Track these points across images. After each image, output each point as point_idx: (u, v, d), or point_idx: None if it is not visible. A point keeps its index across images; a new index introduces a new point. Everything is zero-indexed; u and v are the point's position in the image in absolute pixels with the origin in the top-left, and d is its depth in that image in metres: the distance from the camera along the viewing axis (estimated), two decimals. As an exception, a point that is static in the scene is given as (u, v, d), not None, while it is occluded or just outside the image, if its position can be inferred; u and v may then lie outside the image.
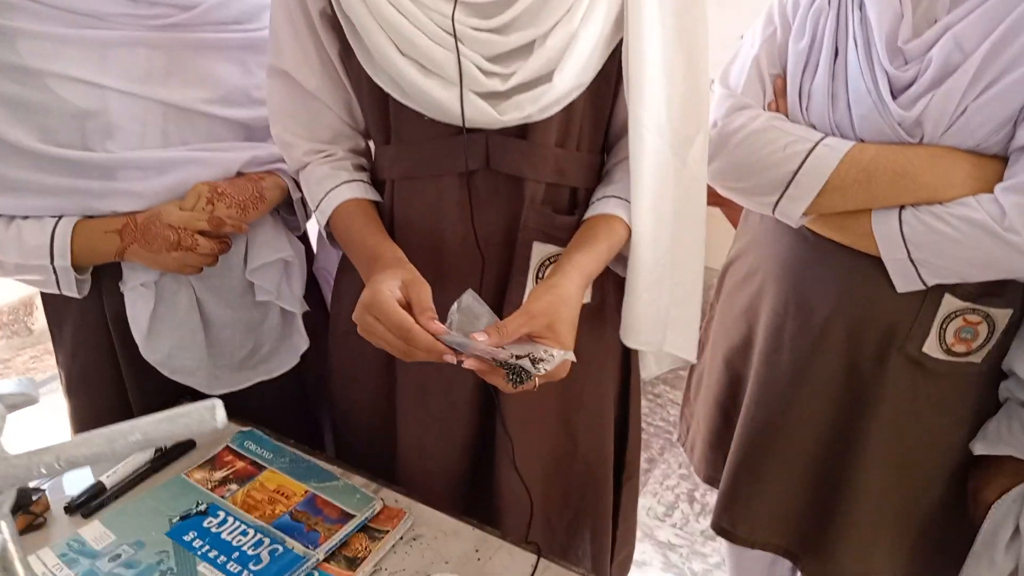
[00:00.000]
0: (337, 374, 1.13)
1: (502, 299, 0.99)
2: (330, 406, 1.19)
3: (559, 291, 0.84)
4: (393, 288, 0.81)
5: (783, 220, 1.06)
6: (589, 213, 0.96)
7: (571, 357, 0.82)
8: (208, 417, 0.57)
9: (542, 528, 1.12)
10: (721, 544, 2.12)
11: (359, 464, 1.05)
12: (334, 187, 0.97)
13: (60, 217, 0.98)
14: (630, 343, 0.97)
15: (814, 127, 1.03)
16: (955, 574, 1.07)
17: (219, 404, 0.57)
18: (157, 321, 1.05)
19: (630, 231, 0.93)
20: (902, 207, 0.96)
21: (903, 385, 1.04)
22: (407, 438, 1.06)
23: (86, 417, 1.15)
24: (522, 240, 0.96)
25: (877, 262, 1.00)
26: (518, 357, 0.78)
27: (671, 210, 0.93)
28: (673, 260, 0.95)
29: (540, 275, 0.99)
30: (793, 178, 1.00)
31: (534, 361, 0.78)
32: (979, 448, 1.03)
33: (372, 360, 1.06)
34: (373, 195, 0.99)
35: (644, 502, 2.28)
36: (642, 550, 2.11)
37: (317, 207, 0.99)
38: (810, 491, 1.15)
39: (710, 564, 2.07)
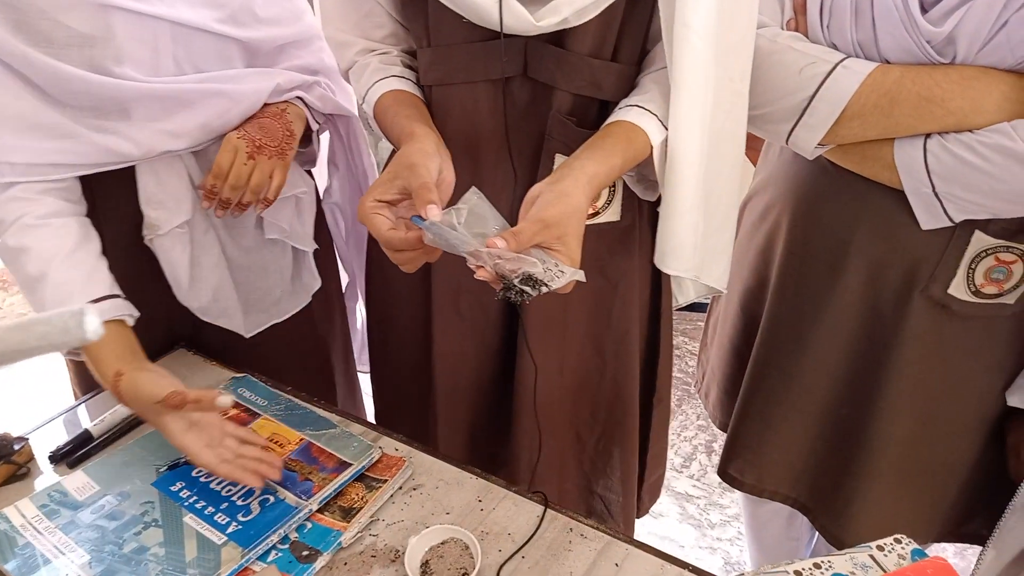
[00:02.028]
0: (375, 279, 1.14)
1: None
2: (366, 313, 1.20)
3: (571, 201, 0.78)
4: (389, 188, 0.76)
5: (797, 152, 0.97)
6: (610, 120, 0.89)
7: (581, 276, 0.76)
8: (73, 325, 0.45)
9: (572, 443, 1.14)
10: (739, 495, 2.07)
11: (393, 374, 1.07)
12: (383, 78, 0.94)
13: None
14: (667, 269, 0.93)
15: (835, 47, 0.93)
16: (986, 530, 1.01)
17: (90, 310, 0.49)
18: (194, 265, 1.01)
19: (651, 148, 0.87)
20: (927, 136, 0.87)
21: (926, 328, 0.97)
22: (442, 343, 1.06)
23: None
24: (546, 150, 0.94)
25: (900, 196, 0.91)
26: (520, 277, 0.73)
27: (712, 127, 0.87)
28: (711, 183, 0.90)
29: None
30: (809, 104, 0.91)
31: (536, 283, 0.72)
32: (1015, 400, 0.96)
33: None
34: (418, 92, 0.95)
35: (661, 453, 2.24)
36: (659, 501, 2.07)
37: (364, 97, 0.95)
38: (824, 441, 1.09)
39: (728, 515, 2.03)
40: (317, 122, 1.06)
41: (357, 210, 0.79)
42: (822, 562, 0.77)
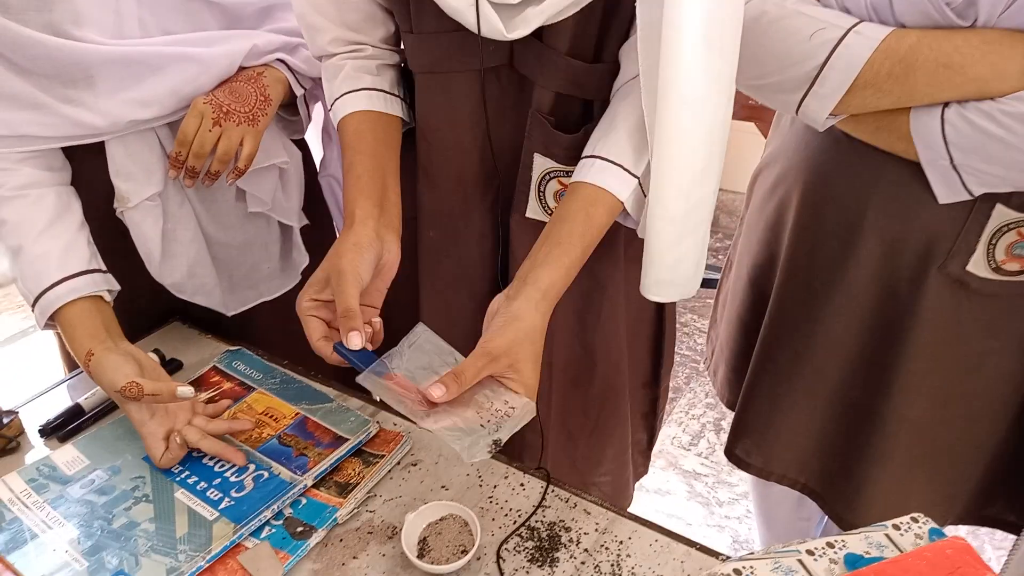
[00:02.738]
0: None
1: (510, 206, 0.96)
2: None
3: (520, 325, 0.74)
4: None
5: (808, 123, 0.93)
6: (573, 177, 0.84)
7: (531, 409, 0.73)
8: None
9: (564, 442, 1.12)
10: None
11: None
12: (351, 91, 0.89)
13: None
14: (655, 298, 0.87)
15: (848, 11, 0.88)
16: (1009, 514, 0.98)
17: None
18: (167, 239, 0.97)
19: (621, 204, 0.82)
20: (945, 105, 0.82)
21: (944, 307, 0.92)
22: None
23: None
24: (525, 149, 0.90)
25: (916, 168, 0.87)
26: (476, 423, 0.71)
27: (708, 141, 0.75)
28: (701, 202, 0.80)
29: (542, 189, 0.93)
30: (820, 73, 0.86)
31: (495, 429, 0.70)
32: None
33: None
34: (391, 107, 0.91)
35: (669, 431, 2.21)
36: (666, 479, 2.05)
37: (332, 106, 0.91)
38: (834, 423, 1.05)
39: (737, 493, 2.01)
40: (303, 87, 1.00)
41: (296, 304, 0.78)
42: (835, 541, 0.74)
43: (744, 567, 0.71)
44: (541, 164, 0.90)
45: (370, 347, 0.74)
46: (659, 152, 0.74)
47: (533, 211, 0.95)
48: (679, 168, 0.74)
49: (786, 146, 1.07)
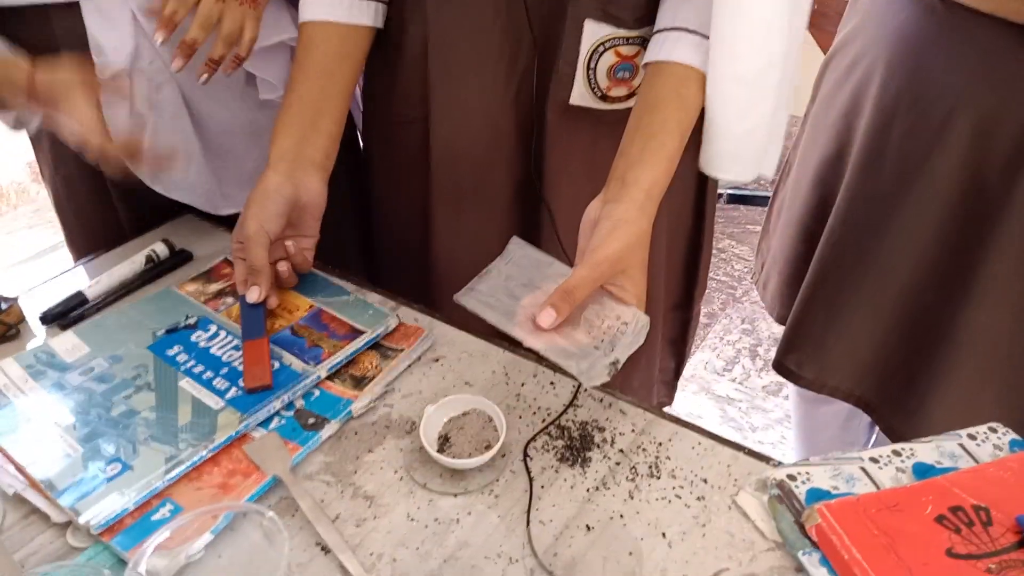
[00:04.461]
0: (377, 168, 1.02)
1: (546, 97, 0.84)
2: (370, 201, 1.08)
3: (630, 229, 0.66)
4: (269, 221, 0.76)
5: None
6: (650, 55, 0.74)
7: (646, 322, 0.66)
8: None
9: None
10: (783, 400, 1.98)
11: (396, 268, 0.99)
12: None
13: None
14: (716, 173, 0.79)
15: None
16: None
17: None
18: (139, 125, 0.88)
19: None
20: None
21: None
22: (440, 244, 0.96)
23: (79, 241, 1.03)
24: (572, 15, 0.78)
25: (1022, 37, 0.75)
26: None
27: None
28: (784, 51, 0.72)
29: (592, 64, 0.81)
30: None
31: (609, 349, 0.65)
32: None
33: (406, 149, 0.94)
34: (356, 14, 0.81)
35: (702, 356, 2.14)
36: (698, 403, 1.99)
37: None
38: (899, 331, 0.96)
39: (771, 419, 1.94)
40: None
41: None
42: (902, 449, 0.66)
43: (799, 472, 0.63)
44: (593, 32, 0.78)
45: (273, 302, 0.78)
46: None
47: (580, 96, 0.83)
48: (754, 18, 0.64)
49: (867, 22, 0.95)
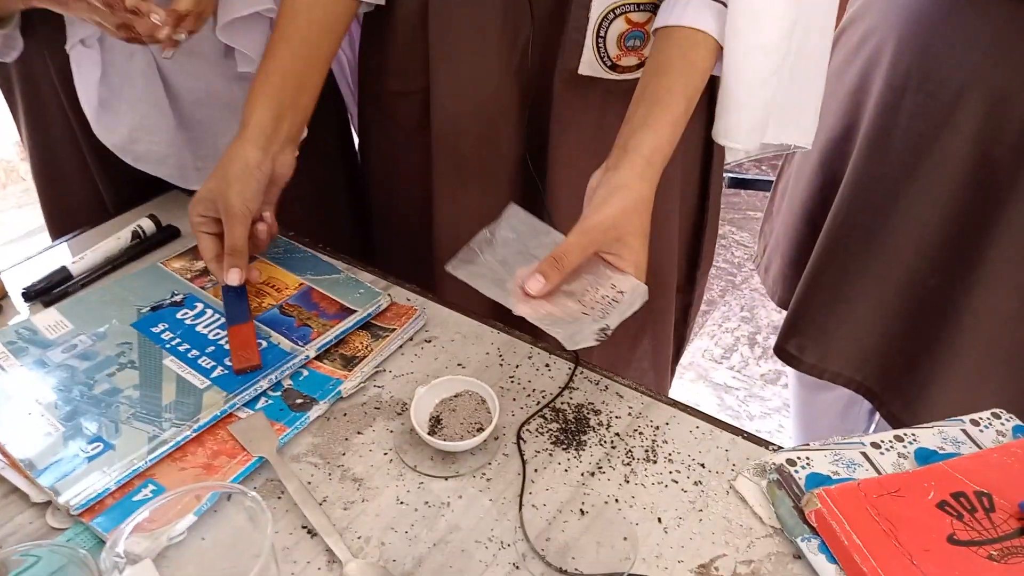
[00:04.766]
0: (374, 144, 0.99)
1: (552, 67, 0.81)
2: (364, 180, 1.05)
3: (627, 194, 0.64)
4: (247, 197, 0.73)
5: None
6: (660, 20, 0.72)
7: (642, 292, 0.63)
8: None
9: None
10: (781, 388, 1.96)
11: (394, 246, 0.96)
12: None
13: None
14: (730, 143, 0.77)
15: None
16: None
17: None
18: (110, 92, 0.85)
19: (720, 49, 0.70)
20: None
21: None
22: (442, 212, 0.94)
23: (56, 212, 1.01)
24: None
25: None
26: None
27: None
28: (804, 27, 0.71)
29: (601, 32, 0.79)
30: None
31: (600, 317, 0.62)
32: None
33: (404, 123, 0.91)
34: None
35: (700, 344, 2.12)
36: (695, 391, 1.97)
37: None
38: (903, 315, 0.94)
39: (769, 408, 1.93)
40: None
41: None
42: (904, 435, 0.64)
43: (799, 457, 0.62)
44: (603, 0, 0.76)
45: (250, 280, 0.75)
46: None
47: (589, 65, 0.81)
48: None
49: None
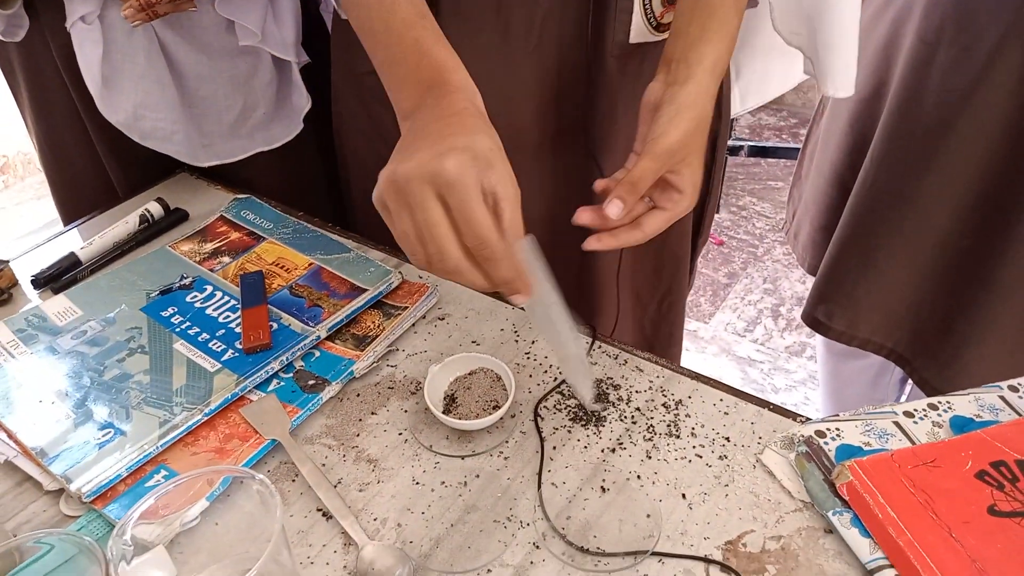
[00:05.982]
0: (348, 130, 0.92)
1: (601, 37, 0.77)
2: (343, 168, 0.98)
3: (694, 114, 0.61)
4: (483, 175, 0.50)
5: None
6: None
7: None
8: None
9: (631, 305, 0.99)
10: (807, 360, 1.93)
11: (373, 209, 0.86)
12: None
13: None
14: (843, 93, 0.76)
15: None
16: None
17: None
18: (113, 69, 0.83)
19: None
20: None
21: None
22: None
23: (66, 196, 1.00)
24: None
25: None
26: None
27: None
28: None
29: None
30: None
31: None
32: None
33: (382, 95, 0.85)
34: None
35: (723, 317, 2.09)
36: (719, 365, 1.95)
37: None
38: (936, 279, 0.91)
39: (794, 380, 1.90)
40: None
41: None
42: (939, 403, 0.62)
43: (829, 428, 0.59)
44: None
45: None
46: None
47: (639, 32, 0.77)
48: None
49: None
